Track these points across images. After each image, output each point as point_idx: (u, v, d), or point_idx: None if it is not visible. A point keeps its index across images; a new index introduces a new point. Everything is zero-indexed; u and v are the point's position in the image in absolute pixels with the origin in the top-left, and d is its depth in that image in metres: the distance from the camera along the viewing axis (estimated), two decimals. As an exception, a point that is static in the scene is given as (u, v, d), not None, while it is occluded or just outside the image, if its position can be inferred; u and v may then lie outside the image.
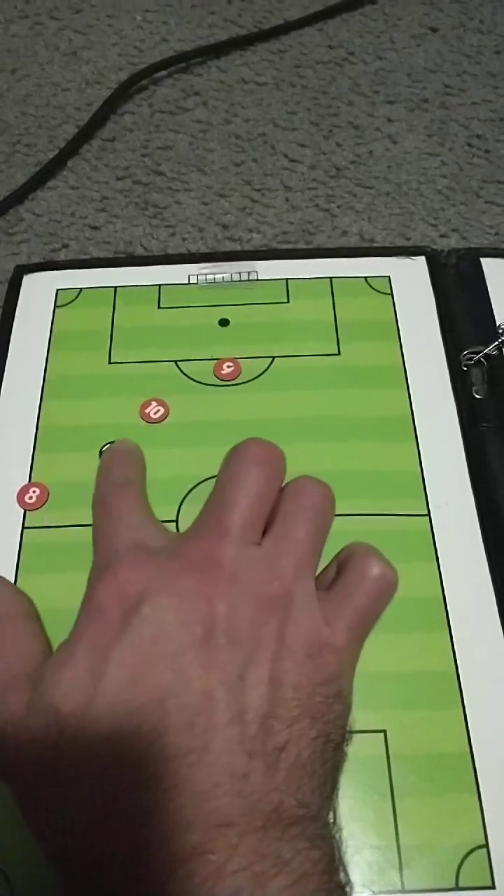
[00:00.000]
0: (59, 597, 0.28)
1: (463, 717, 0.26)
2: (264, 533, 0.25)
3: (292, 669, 0.22)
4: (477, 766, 0.26)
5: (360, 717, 0.25)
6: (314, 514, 0.26)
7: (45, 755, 0.21)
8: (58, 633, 0.28)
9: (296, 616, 0.23)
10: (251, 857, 0.19)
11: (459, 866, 0.24)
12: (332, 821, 0.22)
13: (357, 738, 0.24)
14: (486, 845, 0.25)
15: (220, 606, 0.23)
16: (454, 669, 0.27)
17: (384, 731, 0.26)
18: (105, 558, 0.25)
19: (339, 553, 0.27)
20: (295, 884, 0.19)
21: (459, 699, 0.27)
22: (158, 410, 0.33)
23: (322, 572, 0.26)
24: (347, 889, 0.20)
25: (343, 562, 0.26)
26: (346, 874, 0.21)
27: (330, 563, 0.27)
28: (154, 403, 0.33)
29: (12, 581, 0.29)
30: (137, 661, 0.22)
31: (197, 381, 0.34)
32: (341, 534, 0.29)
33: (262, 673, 0.22)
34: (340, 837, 0.22)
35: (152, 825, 0.20)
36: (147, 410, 0.33)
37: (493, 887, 0.24)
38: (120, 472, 0.30)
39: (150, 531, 0.26)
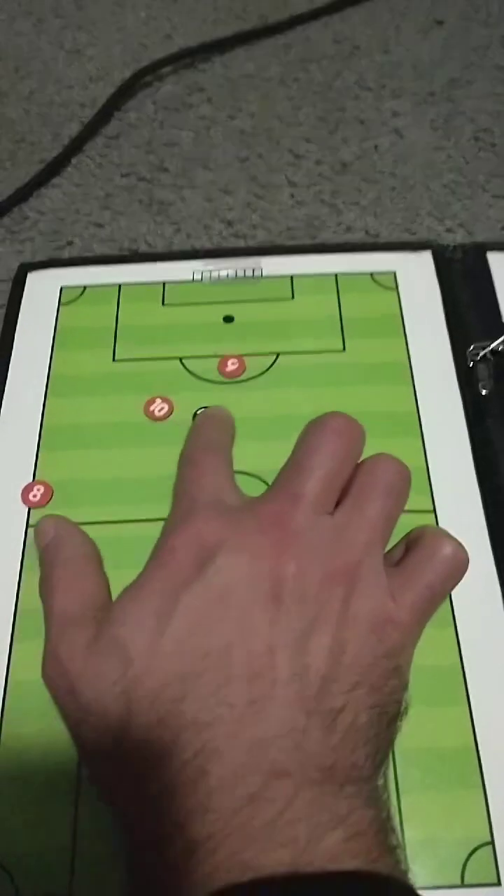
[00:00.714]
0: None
1: (468, 713, 0.26)
2: (338, 504, 0.26)
3: (354, 639, 0.23)
4: (482, 761, 0.26)
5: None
6: (389, 490, 0.26)
7: (108, 690, 0.22)
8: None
9: (362, 588, 0.24)
10: (308, 808, 0.20)
11: (465, 863, 0.24)
12: (383, 789, 0.22)
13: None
14: (492, 842, 0.24)
15: (290, 568, 0.23)
16: (459, 665, 0.27)
17: None
18: (184, 510, 0.26)
19: (408, 533, 0.27)
20: (350, 839, 0.19)
21: (465, 695, 0.27)
22: (163, 408, 0.33)
23: (390, 551, 0.27)
24: (398, 852, 0.21)
25: (413, 540, 0.26)
26: (398, 838, 0.21)
27: (398, 543, 0.27)
28: (158, 401, 0.33)
29: (16, 580, 0.29)
30: (207, 608, 0.23)
31: (201, 379, 0.34)
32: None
33: (324, 638, 0.23)
34: (390, 805, 0.22)
35: (214, 765, 0.20)
36: (151, 408, 0.33)
37: (499, 884, 0.24)
38: (210, 434, 0.31)
39: (230, 492, 0.28)
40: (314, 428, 0.27)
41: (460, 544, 0.26)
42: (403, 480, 0.27)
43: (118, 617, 0.24)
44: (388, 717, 0.23)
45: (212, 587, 0.23)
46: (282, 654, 0.22)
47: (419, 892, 0.20)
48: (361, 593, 0.24)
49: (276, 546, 0.24)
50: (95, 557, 0.28)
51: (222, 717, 0.21)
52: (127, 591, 0.25)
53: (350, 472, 0.26)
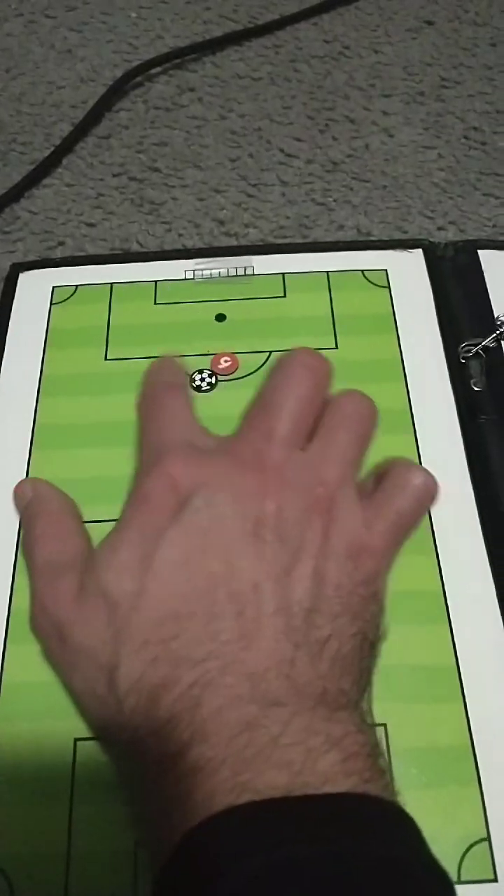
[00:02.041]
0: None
1: (464, 710, 0.26)
2: (309, 439, 0.26)
3: (334, 568, 0.24)
4: (478, 758, 0.26)
5: (360, 710, 0.25)
6: (357, 423, 0.27)
7: (98, 634, 0.23)
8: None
9: (338, 518, 0.25)
10: (303, 733, 0.20)
11: (461, 860, 0.24)
12: (369, 714, 0.23)
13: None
14: (489, 838, 0.24)
15: (269, 505, 0.24)
16: (454, 662, 0.27)
17: (384, 725, 0.26)
18: (154, 453, 0.26)
19: (378, 465, 0.28)
20: (344, 761, 0.20)
21: (460, 692, 0.27)
22: None
23: (361, 482, 0.27)
24: (388, 775, 0.21)
25: (384, 472, 0.27)
26: (387, 762, 0.22)
27: (369, 474, 0.28)
28: None
29: (9, 580, 0.29)
30: (189, 549, 0.23)
31: (198, 369, 0.34)
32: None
33: (306, 569, 0.23)
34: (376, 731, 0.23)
35: (209, 697, 0.21)
36: None
37: (495, 880, 0.24)
38: (170, 375, 0.31)
39: (198, 432, 0.28)
40: (283, 365, 0.27)
41: (430, 474, 0.27)
42: (371, 414, 0.28)
43: (102, 564, 0.24)
44: (370, 642, 0.24)
45: (192, 528, 0.24)
46: (266, 589, 0.23)
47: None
48: (338, 524, 0.24)
49: (254, 483, 0.24)
50: (75, 513, 0.28)
51: (214, 653, 0.22)
52: (107, 538, 0.25)
53: (320, 405, 0.27)
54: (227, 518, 0.24)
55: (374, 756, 0.21)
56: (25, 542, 0.28)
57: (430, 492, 0.27)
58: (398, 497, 0.26)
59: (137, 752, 0.22)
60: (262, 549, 0.23)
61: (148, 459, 0.27)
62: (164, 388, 0.30)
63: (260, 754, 0.20)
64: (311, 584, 0.23)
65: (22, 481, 0.30)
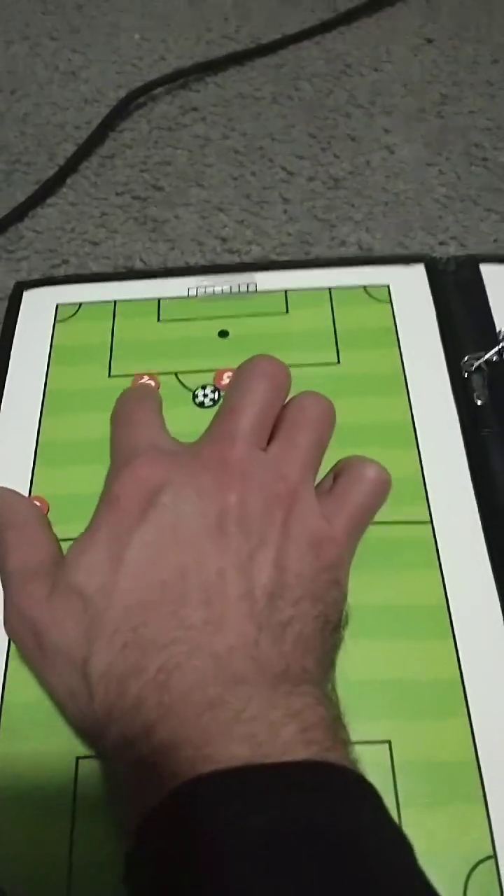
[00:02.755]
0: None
1: (469, 726, 0.26)
2: (270, 440, 0.28)
3: (295, 557, 0.25)
4: (484, 775, 0.25)
5: (364, 727, 0.25)
6: (316, 424, 0.29)
7: (71, 630, 0.24)
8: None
9: (299, 512, 0.26)
10: (265, 707, 0.21)
11: (468, 878, 0.24)
12: (332, 692, 0.24)
13: (361, 749, 0.23)
14: (495, 856, 0.24)
15: (232, 499, 0.25)
16: (459, 678, 0.27)
17: (389, 742, 0.26)
18: (123, 457, 0.28)
19: (335, 465, 0.29)
20: (304, 731, 0.21)
21: (465, 708, 0.26)
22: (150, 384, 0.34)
23: (320, 482, 0.29)
24: (350, 747, 0.22)
25: (340, 469, 0.29)
26: (348, 735, 0.23)
27: (327, 474, 0.29)
28: (146, 378, 0.34)
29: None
30: (157, 544, 0.25)
31: (202, 385, 0.34)
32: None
33: (268, 558, 0.25)
34: (340, 707, 0.24)
35: (176, 679, 0.22)
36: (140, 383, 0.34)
37: (502, 900, 0.24)
38: (140, 392, 0.33)
39: (165, 438, 0.30)
40: (243, 372, 0.29)
41: (382, 466, 0.28)
42: (328, 414, 0.29)
43: (73, 565, 0.25)
44: (332, 625, 0.25)
45: (160, 524, 0.25)
46: (231, 577, 0.24)
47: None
48: (298, 516, 0.26)
49: (217, 481, 0.26)
50: (44, 521, 0.29)
51: (181, 638, 0.23)
52: (78, 540, 0.26)
53: (279, 408, 0.29)
54: (193, 514, 0.25)
55: (335, 728, 0.22)
56: None
57: (383, 483, 0.28)
58: (354, 490, 0.28)
59: (106, 739, 0.22)
60: (226, 541, 0.25)
61: (117, 463, 0.29)
62: (134, 400, 0.32)
63: (223, 730, 0.21)
64: (273, 571, 0.25)
65: None
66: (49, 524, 0.29)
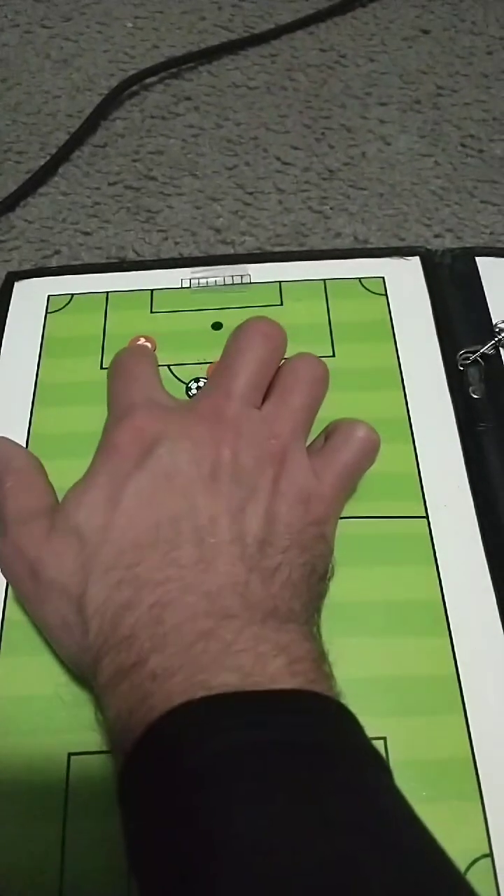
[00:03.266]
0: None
1: (465, 723, 0.26)
2: (265, 399, 0.29)
3: (285, 510, 0.26)
4: (479, 772, 0.25)
5: (359, 723, 0.25)
6: (310, 385, 0.30)
7: (67, 566, 0.25)
8: (44, 644, 0.27)
9: (289, 468, 0.27)
10: (254, 641, 0.22)
11: (464, 875, 0.24)
12: (317, 634, 0.25)
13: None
14: (491, 854, 0.24)
15: (226, 452, 0.26)
16: (455, 674, 0.27)
17: (384, 738, 0.26)
18: (122, 409, 0.29)
19: (326, 427, 0.30)
20: (290, 664, 0.22)
21: (461, 704, 0.26)
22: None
23: (312, 441, 0.30)
24: (333, 680, 0.23)
25: (331, 430, 0.30)
26: (331, 669, 0.23)
27: (318, 435, 0.30)
28: (142, 339, 0.35)
29: (3, 593, 0.29)
30: (153, 489, 0.26)
31: (198, 377, 0.33)
32: (340, 537, 0.28)
33: (259, 508, 0.26)
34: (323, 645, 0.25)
35: (169, 613, 0.23)
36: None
37: (498, 896, 0.23)
38: (138, 348, 0.34)
39: (162, 393, 0.31)
40: (242, 332, 0.30)
41: (372, 428, 0.29)
42: (323, 376, 0.30)
43: (71, 505, 0.26)
44: (318, 574, 0.26)
45: (157, 471, 0.26)
46: (223, 522, 0.25)
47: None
48: (288, 472, 0.27)
49: (213, 434, 0.27)
50: (41, 469, 0.30)
51: (174, 576, 0.24)
52: (77, 484, 0.27)
53: (275, 368, 0.30)
54: (188, 463, 0.26)
55: (320, 662, 0.23)
56: None
57: (372, 443, 0.29)
58: (343, 449, 0.29)
59: (99, 669, 0.23)
60: (219, 489, 0.26)
61: (115, 414, 0.29)
62: (131, 356, 0.32)
63: (214, 659, 0.22)
64: (263, 520, 0.26)
65: None
66: (45, 472, 0.30)
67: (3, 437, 0.31)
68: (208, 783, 0.19)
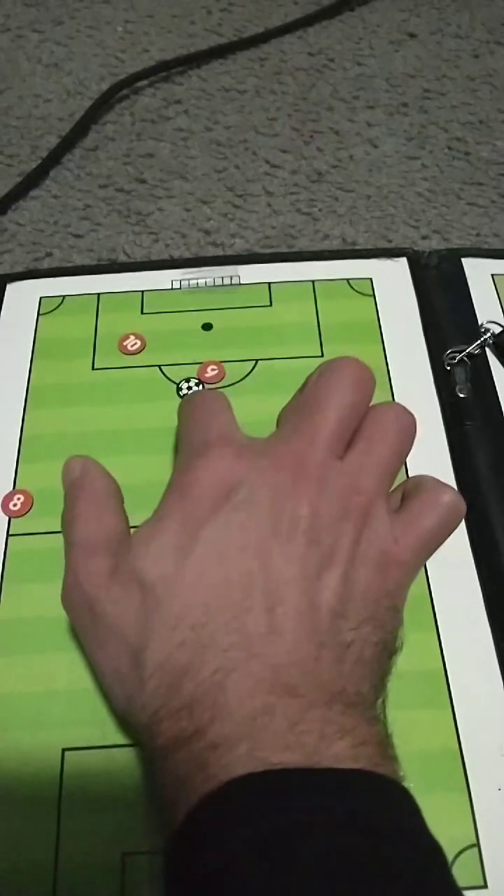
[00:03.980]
0: (44, 604, 0.28)
1: (452, 717, 0.26)
2: (348, 447, 0.27)
3: (363, 577, 0.24)
4: (466, 764, 0.26)
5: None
6: (396, 437, 0.28)
7: (129, 614, 0.24)
8: (45, 643, 0.28)
9: (371, 528, 0.25)
10: (318, 722, 0.21)
11: (451, 866, 0.24)
12: (382, 714, 0.24)
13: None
14: (478, 844, 0.24)
15: (305, 507, 0.25)
16: (442, 669, 0.27)
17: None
18: (197, 446, 0.27)
19: (405, 482, 0.28)
20: (355, 747, 0.21)
21: (448, 698, 0.27)
22: (135, 343, 0.35)
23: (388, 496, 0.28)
24: (398, 764, 0.22)
25: (413, 488, 0.28)
26: (396, 753, 0.22)
27: (395, 490, 0.28)
28: (132, 337, 0.35)
29: (-3, 589, 0.29)
30: (226, 543, 0.24)
31: (189, 377, 0.34)
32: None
33: (336, 575, 0.24)
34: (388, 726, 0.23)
35: (232, 682, 0.22)
36: (125, 343, 0.35)
37: (485, 886, 0.24)
38: (211, 391, 0.32)
39: (238, 432, 0.28)
40: (331, 372, 0.28)
41: (459, 494, 0.27)
42: (410, 428, 0.28)
43: (139, 549, 0.25)
44: (389, 652, 0.24)
45: (232, 522, 0.24)
46: (297, 588, 0.23)
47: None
48: (369, 534, 0.25)
49: (293, 485, 0.25)
50: (118, 495, 0.29)
51: (240, 643, 0.22)
52: (146, 525, 0.26)
53: (362, 415, 0.28)
54: (266, 516, 0.24)
55: (385, 745, 0.22)
56: (65, 518, 0.28)
57: (458, 511, 0.27)
58: (427, 514, 0.27)
59: (157, 733, 0.22)
60: (296, 550, 0.24)
61: (190, 452, 0.27)
62: (206, 394, 0.31)
63: (276, 736, 0.20)
64: (340, 588, 0.24)
65: (73, 458, 0.29)
66: (122, 500, 0.29)
67: (89, 459, 0.29)
68: (264, 858, 0.18)
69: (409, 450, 0.28)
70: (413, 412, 0.32)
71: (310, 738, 0.20)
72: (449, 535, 0.27)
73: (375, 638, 0.24)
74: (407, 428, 0.28)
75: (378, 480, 0.26)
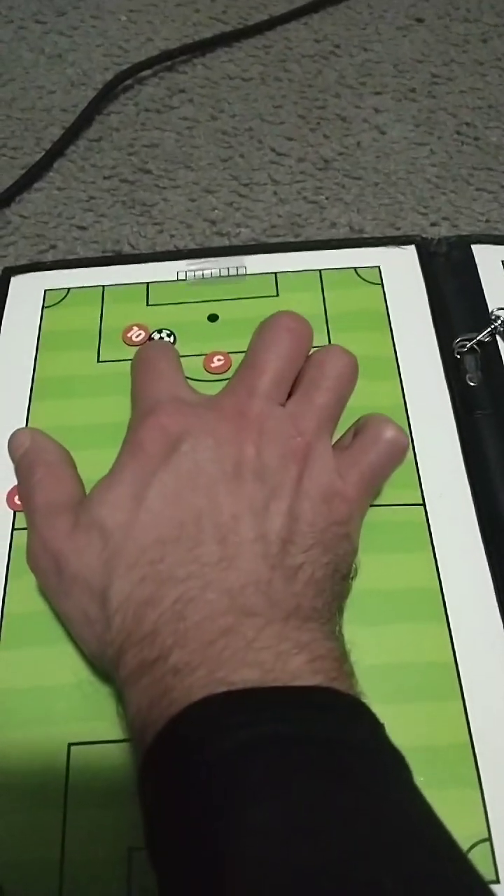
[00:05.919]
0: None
1: (463, 709, 0.26)
2: (290, 395, 0.29)
3: (308, 508, 0.26)
4: (478, 757, 0.25)
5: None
6: (336, 381, 0.29)
7: (91, 561, 0.25)
8: (44, 636, 0.27)
9: (313, 466, 0.27)
10: (275, 639, 0.22)
11: (463, 860, 0.24)
12: (339, 633, 0.25)
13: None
14: (490, 839, 0.24)
15: (249, 450, 0.26)
16: (453, 660, 0.27)
17: (382, 725, 0.25)
18: (146, 406, 0.29)
19: (355, 422, 0.30)
20: (312, 662, 0.22)
21: (459, 690, 0.26)
22: (140, 334, 0.35)
23: (340, 438, 0.30)
24: (354, 679, 0.23)
25: (359, 427, 0.29)
26: (353, 669, 0.23)
27: (347, 431, 0.30)
28: (135, 328, 0.35)
29: (1, 585, 0.29)
30: (177, 487, 0.26)
31: (187, 377, 0.33)
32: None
33: (282, 506, 0.26)
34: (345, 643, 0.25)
35: (191, 610, 0.23)
36: (129, 335, 0.35)
37: (497, 881, 0.23)
38: (160, 344, 0.34)
39: (186, 389, 0.30)
40: (267, 327, 0.30)
41: (401, 429, 0.29)
42: (350, 371, 0.30)
43: (96, 501, 0.26)
44: (341, 574, 0.26)
45: (181, 468, 0.26)
46: (245, 520, 0.25)
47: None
48: (312, 471, 0.27)
49: (236, 432, 0.27)
50: (71, 462, 0.30)
51: (196, 573, 0.24)
52: (102, 480, 0.27)
53: (301, 364, 0.30)
54: (211, 461, 0.26)
55: (341, 660, 0.23)
56: (23, 488, 0.29)
57: (400, 446, 0.29)
58: (370, 450, 0.28)
59: (122, 663, 0.23)
60: (242, 487, 0.26)
61: (140, 411, 0.29)
62: (155, 351, 0.32)
63: (235, 656, 0.22)
64: (286, 519, 0.25)
65: (19, 430, 0.31)
66: (75, 465, 0.30)
67: (36, 430, 0.31)
68: (226, 776, 0.19)
69: (351, 389, 0.30)
70: (422, 401, 0.32)
71: (267, 655, 0.22)
72: (393, 469, 0.29)
73: (325, 559, 0.25)
74: (345, 370, 0.30)
75: (317, 423, 0.28)
